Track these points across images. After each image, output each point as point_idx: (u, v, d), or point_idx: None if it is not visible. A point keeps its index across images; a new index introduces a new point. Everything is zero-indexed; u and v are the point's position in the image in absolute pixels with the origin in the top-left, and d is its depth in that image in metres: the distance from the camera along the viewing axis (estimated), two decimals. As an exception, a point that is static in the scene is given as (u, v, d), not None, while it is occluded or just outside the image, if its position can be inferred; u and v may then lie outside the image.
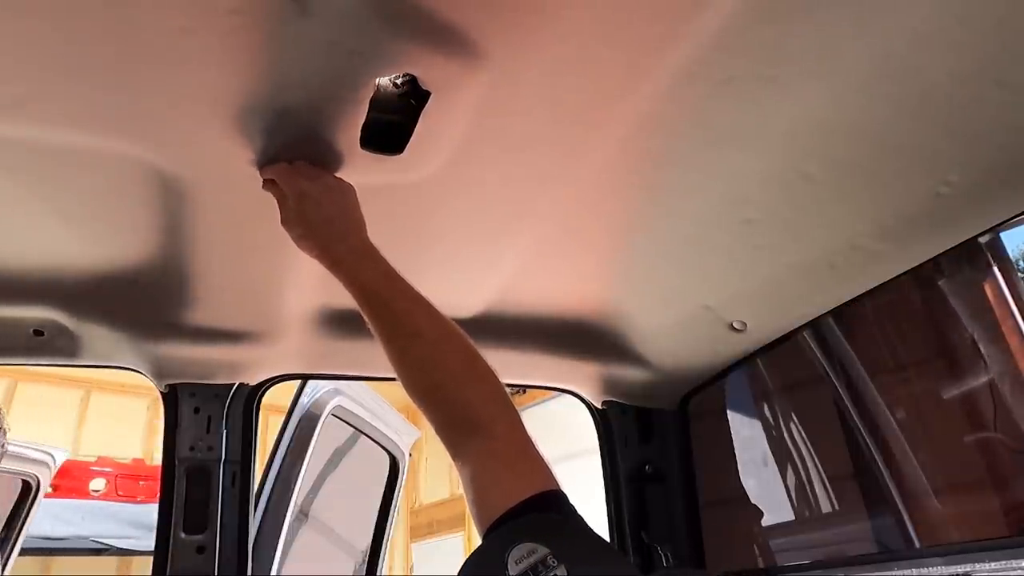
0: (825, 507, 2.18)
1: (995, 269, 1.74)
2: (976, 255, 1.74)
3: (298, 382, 2.53)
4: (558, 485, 0.92)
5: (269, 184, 1.17)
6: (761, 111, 1.14)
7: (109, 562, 6.81)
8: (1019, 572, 1.33)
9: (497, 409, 0.99)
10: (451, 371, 1.02)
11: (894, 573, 1.54)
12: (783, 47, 1.01)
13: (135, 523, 6.36)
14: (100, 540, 6.33)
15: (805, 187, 1.28)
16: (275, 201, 1.18)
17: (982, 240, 1.66)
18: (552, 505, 0.89)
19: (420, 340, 1.04)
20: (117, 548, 6.43)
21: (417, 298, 1.06)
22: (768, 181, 1.30)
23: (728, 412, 2.30)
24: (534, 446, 0.97)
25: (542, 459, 0.95)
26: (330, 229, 1.12)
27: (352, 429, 2.91)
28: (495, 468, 0.94)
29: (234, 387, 1.79)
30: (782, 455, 2.22)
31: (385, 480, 3.20)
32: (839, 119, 1.14)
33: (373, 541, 3.10)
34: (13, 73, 0.99)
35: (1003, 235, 1.73)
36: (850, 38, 0.99)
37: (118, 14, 0.90)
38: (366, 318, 1.08)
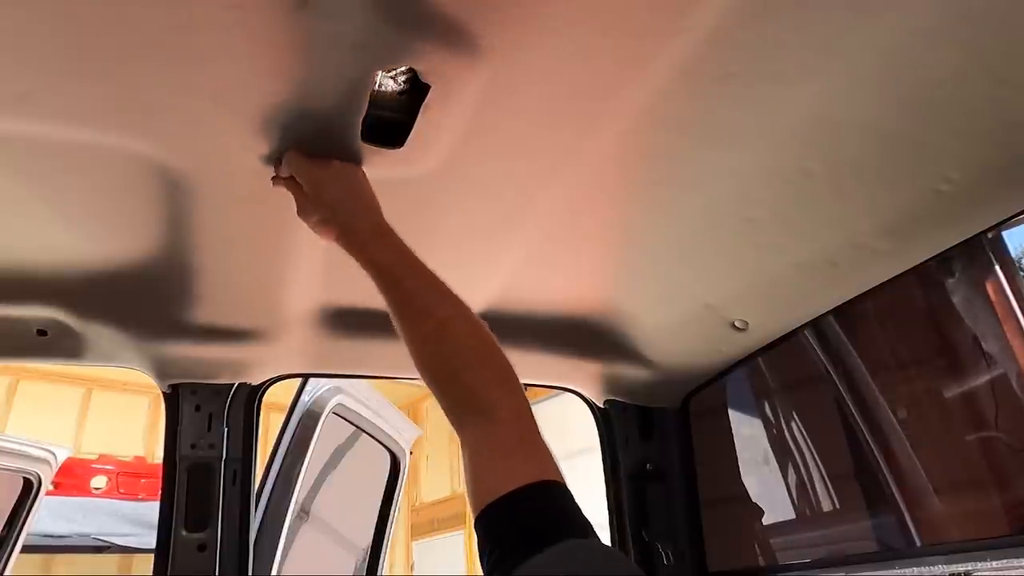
0: (826, 506, 2.17)
1: (997, 268, 1.73)
2: (978, 254, 1.74)
3: (299, 380, 2.53)
4: (560, 476, 0.89)
5: (280, 180, 1.18)
6: (761, 107, 1.13)
7: (110, 560, 6.82)
8: (1020, 571, 1.33)
9: (502, 394, 0.96)
10: (458, 351, 1.00)
11: (895, 572, 1.54)
12: (782, 43, 1.01)
13: (136, 521, 6.37)
14: (101, 538, 6.34)
15: (806, 184, 1.28)
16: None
17: (984, 239, 1.66)
18: (549, 497, 0.87)
19: (430, 319, 1.02)
20: (118, 546, 6.44)
21: (429, 276, 1.06)
22: (769, 178, 1.30)
23: (729, 411, 2.29)
24: (539, 435, 0.94)
25: (546, 449, 0.92)
26: (346, 209, 1.13)
27: (353, 427, 2.91)
28: (493, 454, 0.92)
29: (235, 385, 1.79)
30: (783, 454, 2.22)
31: (386, 478, 3.21)
32: (840, 115, 1.14)
33: (374, 539, 3.11)
34: (15, 69, 0.99)
35: (1005, 234, 1.72)
36: (850, 34, 0.99)
37: (119, 9, 0.90)
38: (382, 297, 1.07)
